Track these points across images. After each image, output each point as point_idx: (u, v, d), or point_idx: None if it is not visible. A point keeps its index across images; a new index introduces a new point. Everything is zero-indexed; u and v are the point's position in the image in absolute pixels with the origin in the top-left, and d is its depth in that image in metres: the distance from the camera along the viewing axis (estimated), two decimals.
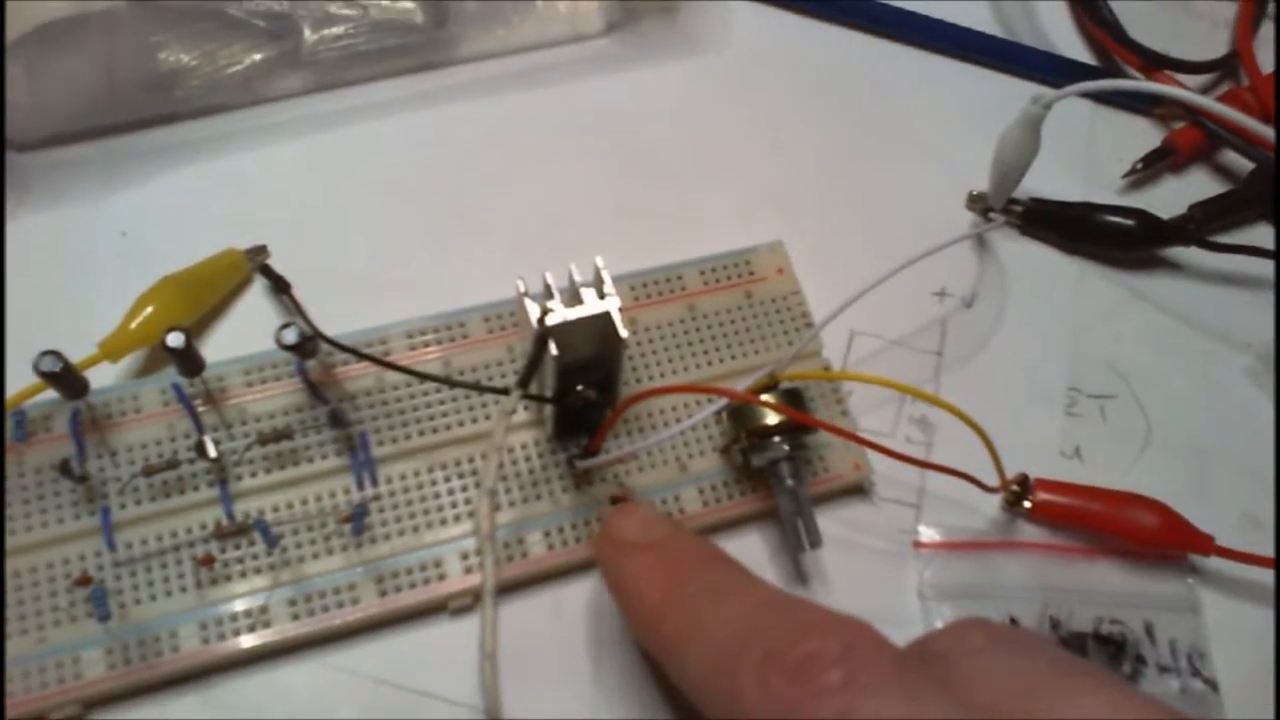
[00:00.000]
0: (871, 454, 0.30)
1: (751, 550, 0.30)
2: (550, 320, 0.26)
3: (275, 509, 0.28)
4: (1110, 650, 0.30)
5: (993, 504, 0.31)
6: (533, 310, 0.26)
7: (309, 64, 0.35)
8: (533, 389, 0.27)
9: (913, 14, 0.40)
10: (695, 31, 0.39)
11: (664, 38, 0.39)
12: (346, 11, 0.34)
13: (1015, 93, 0.39)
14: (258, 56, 0.34)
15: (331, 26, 0.34)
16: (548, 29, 0.37)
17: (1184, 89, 0.38)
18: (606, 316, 0.26)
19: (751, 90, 0.38)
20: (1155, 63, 0.39)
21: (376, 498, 0.28)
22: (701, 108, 0.37)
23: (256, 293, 0.32)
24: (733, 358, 0.32)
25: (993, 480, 0.30)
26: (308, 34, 0.34)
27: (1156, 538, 0.31)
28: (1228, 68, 0.40)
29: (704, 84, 0.38)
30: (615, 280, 0.26)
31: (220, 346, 0.31)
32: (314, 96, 0.36)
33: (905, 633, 0.23)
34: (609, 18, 0.38)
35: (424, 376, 0.28)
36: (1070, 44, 0.41)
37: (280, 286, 0.32)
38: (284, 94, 0.35)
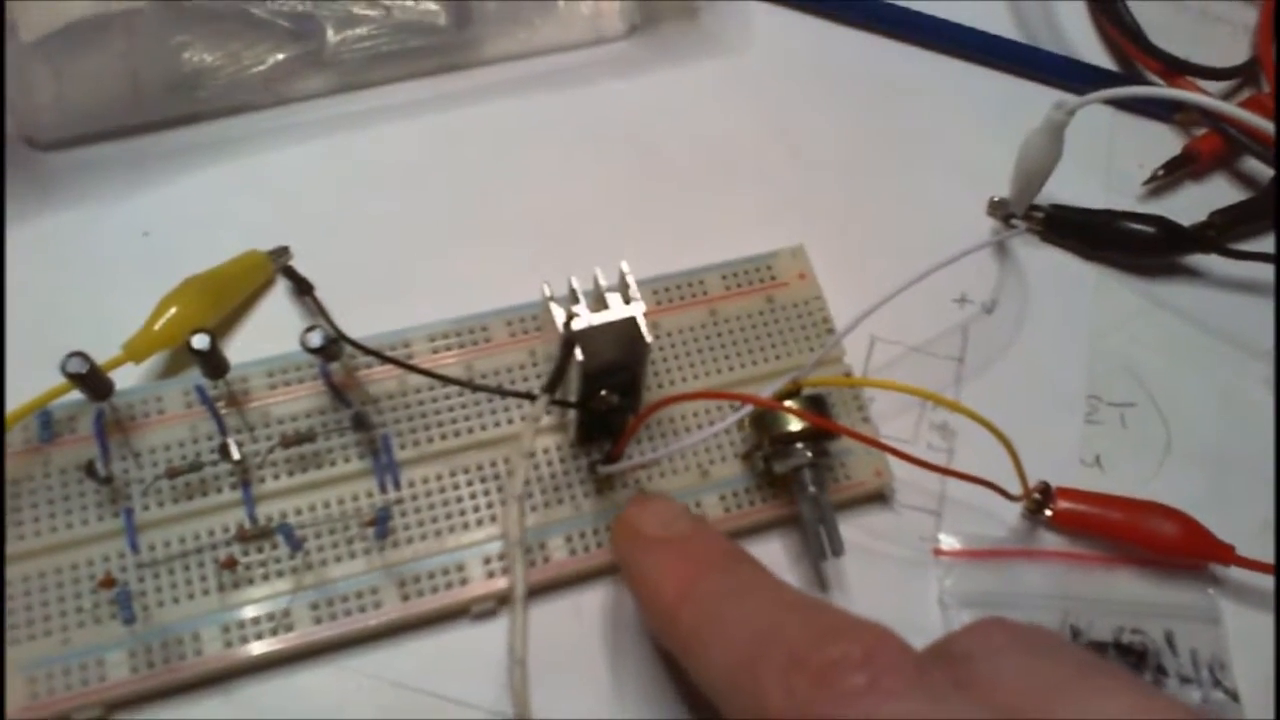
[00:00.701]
0: (892, 460, 0.30)
1: (773, 556, 0.30)
2: (576, 325, 0.26)
3: (298, 512, 0.28)
4: (1131, 660, 0.30)
5: (1013, 512, 0.31)
6: (558, 315, 0.26)
7: (332, 64, 0.35)
8: (556, 394, 0.27)
9: (934, 18, 0.40)
10: (716, 34, 0.39)
11: (685, 40, 0.39)
12: (369, 12, 0.34)
13: (1036, 98, 0.39)
14: (281, 57, 0.34)
15: (355, 27, 0.34)
16: (569, 31, 0.37)
17: (1205, 95, 0.38)
18: (632, 321, 0.26)
19: (772, 93, 0.38)
20: (1176, 68, 0.39)
21: (399, 501, 0.28)
22: (723, 111, 0.37)
23: (279, 294, 0.32)
24: (754, 363, 0.32)
25: (1014, 487, 0.30)
26: (331, 34, 0.34)
27: (1177, 547, 0.31)
28: (1249, 74, 0.40)
29: (725, 87, 0.38)
30: (638, 284, 0.26)
31: (243, 348, 0.31)
32: (337, 97, 0.36)
33: (925, 640, 0.23)
34: (630, 20, 0.38)
35: (447, 380, 0.28)
36: (1090, 49, 0.41)
37: (303, 288, 0.32)
38: (307, 94, 0.35)
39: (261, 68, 0.34)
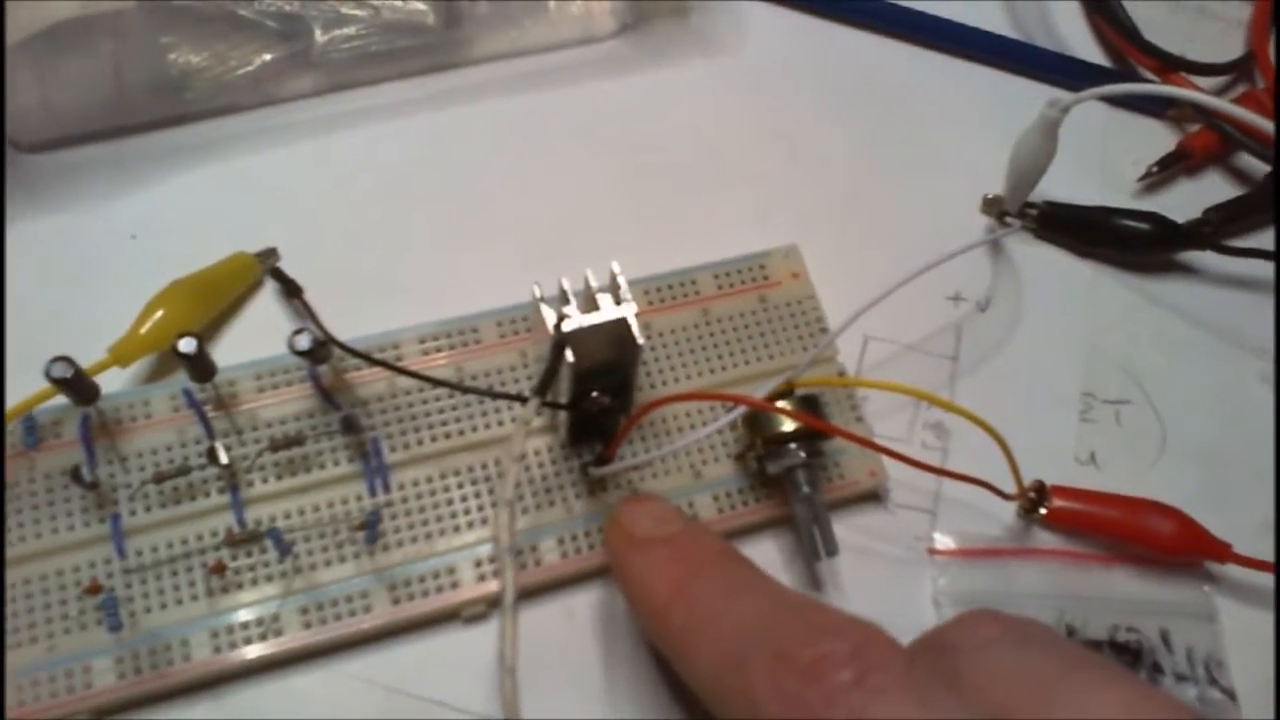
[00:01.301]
0: (886, 459, 0.30)
1: (767, 557, 0.30)
2: (567, 326, 0.25)
3: (287, 516, 0.28)
4: (1126, 658, 0.29)
5: (1008, 510, 0.31)
6: (549, 316, 0.26)
7: (320, 65, 0.35)
8: (547, 395, 0.27)
9: (927, 16, 0.39)
10: (708, 33, 0.39)
11: (677, 39, 0.38)
12: (358, 12, 0.34)
13: (1030, 95, 0.38)
14: (268, 57, 0.34)
15: (343, 27, 0.34)
16: (560, 30, 0.37)
17: (1200, 91, 0.38)
18: (624, 322, 0.26)
19: (765, 92, 0.38)
20: (1170, 65, 0.39)
21: (389, 504, 0.28)
22: (715, 110, 0.37)
23: (266, 296, 0.32)
24: (746, 363, 0.31)
25: (1009, 486, 0.30)
26: (319, 35, 0.34)
27: (1173, 545, 0.30)
28: (1243, 70, 0.40)
29: (717, 86, 0.38)
30: (629, 284, 0.26)
31: (230, 351, 0.30)
32: (325, 98, 0.35)
33: None
34: (621, 19, 0.38)
35: (437, 383, 0.28)
36: (1084, 45, 0.41)
37: (292, 290, 0.31)
38: (295, 95, 0.35)
39: (249, 68, 0.34)
